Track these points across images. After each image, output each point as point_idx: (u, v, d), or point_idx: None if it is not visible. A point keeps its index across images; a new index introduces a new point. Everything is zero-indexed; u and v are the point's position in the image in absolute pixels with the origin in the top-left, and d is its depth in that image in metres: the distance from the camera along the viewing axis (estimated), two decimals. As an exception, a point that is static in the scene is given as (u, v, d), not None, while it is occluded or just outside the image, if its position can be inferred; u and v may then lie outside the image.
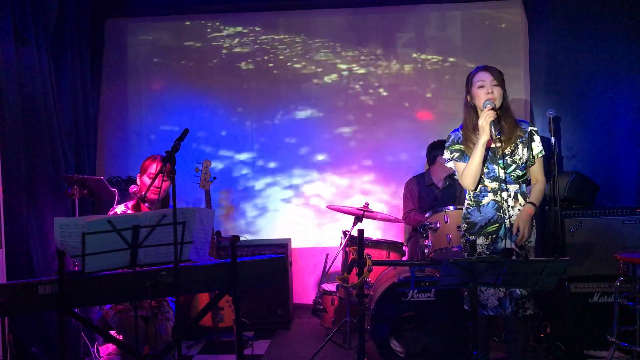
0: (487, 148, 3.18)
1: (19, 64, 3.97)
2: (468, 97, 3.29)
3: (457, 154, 3.32)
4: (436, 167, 4.91)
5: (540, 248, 4.62)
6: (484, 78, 3.19)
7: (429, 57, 5.56)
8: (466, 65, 5.44)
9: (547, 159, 3.30)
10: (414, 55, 5.57)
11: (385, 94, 5.60)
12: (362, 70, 5.60)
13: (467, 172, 3.22)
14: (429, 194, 4.92)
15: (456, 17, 5.53)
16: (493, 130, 3.07)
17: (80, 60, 4.94)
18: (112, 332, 3.40)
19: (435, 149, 4.88)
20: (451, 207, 4.07)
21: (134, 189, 3.81)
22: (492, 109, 3.12)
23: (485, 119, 3.09)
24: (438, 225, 4.06)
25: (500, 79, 3.20)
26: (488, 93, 3.16)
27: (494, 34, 5.50)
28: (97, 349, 4.32)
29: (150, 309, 3.38)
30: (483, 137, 3.12)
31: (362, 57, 5.60)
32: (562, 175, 4.37)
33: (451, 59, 5.54)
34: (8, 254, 3.67)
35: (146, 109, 5.67)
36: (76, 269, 2.71)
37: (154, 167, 3.55)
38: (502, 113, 3.20)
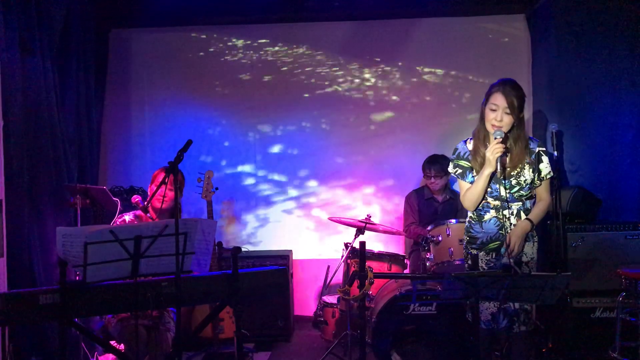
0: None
1: (24, 73, 3.99)
2: (482, 107, 3.15)
3: (459, 171, 3.24)
4: (426, 178, 4.91)
5: (542, 262, 4.61)
6: (498, 102, 3.03)
7: (432, 70, 5.58)
8: (468, 79, 5.46)
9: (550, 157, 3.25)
10: (417, 68, 5.59)
11: (388, 105, 5.61)
12: (365, 83, 5.62)
13: (469, 196, 3.17)
14: (429, 207, 4.92)
15: (459, 30, 5.55)
16: (499, 167, 3.00)
17: (84, 70, 4.96)
18: (112, 342, 3.39)
19: (427, 163, 4.87)
20: (453, 221, 4.06)
21: (136, 199, 3.82)
22: (502, 141, 3.01)
23: (493, 153, 2.99)
24: (440, 238, 4.05)
25: (514, 106, 3.02)
26: (496, 120, 3.03)
27: (496, 48, 5.52)
28: (97, 359, 4.31)
29: (152, 319, 3.37)
30: (488, 169, 3.03)
31: (365, 70, 5.62)
32: (564, 189, 4.37)
33: (453, 72, 5.56)
34: (9, 262, 3.66)
35: (149, 119, 5.69)
36: (77, 278, 2.70)
37: (161, 177, 3.61)
38: (513, 138, 3.09)
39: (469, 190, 3.17)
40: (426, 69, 5.59)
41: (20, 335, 3.74)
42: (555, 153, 4.15)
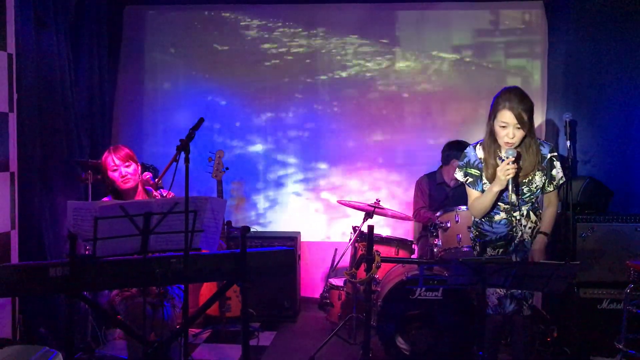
0: None
1: (38, 47, 3.99)
2: (490, 122, 3.08)
3: (470, 179, 3.18)
4: (449, 168, 4.87)
5: (551, 252, 4.59)
6: (508, 120, 2.95)
7: (447, 55, 5.53)
8: (483, 66, 5.41)
9: (562, 162, 3.24)
10: (432, 52, 5.54)
11: (401, 90, 5.57)
12: (379, 66, 5.58)
13: (477, 206, 3.14)
14: (440, 192, 4.90)
15: (476, 16, 5.48)
16: (510, 188, 2.95)
17: (98, 46, 4.96)
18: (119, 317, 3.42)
19: (451, 149, 4.81)
20: (463, 207, 4.04)
21: (147, 176, 3.83)
22: (514, 160, 2.95)
23: (504, 173, 2.94)
24: (449, 224, 4.04)
25: (524, 120, 2.94)
26: (508, 137, 2.97)
27: (513, 34, 5.45)
28: (104, 333, 4.36)
29: (157, 296, 3.40)
30: (497, 187, 2.99)
31: (379, 54, 5.58)
32: (575, 179, 4.34)
33: (468, 59, 5.50)
34: (20, 235, 3.70)
35: (162, 97, 5.69)
36: (87, 252, 2.73)
37: (110, 160, 3.45)
38: (525, 146, 3.05)
39: (478, 201, 3.13)
40: (441, 54, 5.54)
41: (30, 307, 3.79)
42: (568, 142, 4.11)
